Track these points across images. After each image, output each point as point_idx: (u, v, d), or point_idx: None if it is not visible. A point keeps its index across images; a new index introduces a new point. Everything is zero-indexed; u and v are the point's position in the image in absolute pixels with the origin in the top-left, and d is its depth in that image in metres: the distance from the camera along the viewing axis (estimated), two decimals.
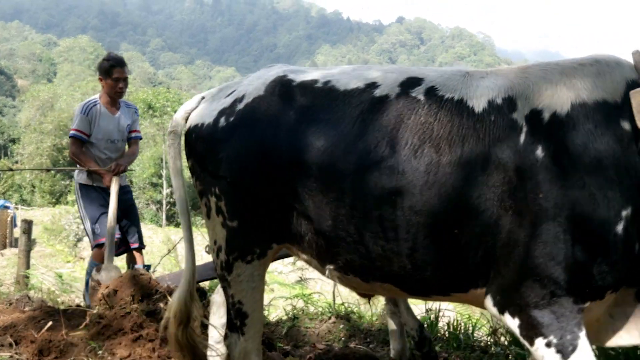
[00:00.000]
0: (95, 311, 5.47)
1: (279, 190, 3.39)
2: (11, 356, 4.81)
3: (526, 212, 2.88)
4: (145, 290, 5.45)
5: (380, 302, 7.97)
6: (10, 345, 5.06)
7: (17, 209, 37.77)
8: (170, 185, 50.99)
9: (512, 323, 2.97)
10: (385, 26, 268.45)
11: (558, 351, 2.86)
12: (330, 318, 6.67)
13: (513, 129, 2.97)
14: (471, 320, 6.54)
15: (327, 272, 3.48)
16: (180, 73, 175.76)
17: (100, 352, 4.77)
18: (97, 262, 6.82)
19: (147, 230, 39.17)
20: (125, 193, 7.18)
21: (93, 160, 7.00)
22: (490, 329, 6.24)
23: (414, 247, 3.07)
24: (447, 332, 6.19)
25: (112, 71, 6.92)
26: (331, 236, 3.29)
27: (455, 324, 6.38)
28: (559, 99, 3.01)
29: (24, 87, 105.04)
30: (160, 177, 51.29)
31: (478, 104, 3.06)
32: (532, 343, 2.90)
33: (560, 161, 2.90)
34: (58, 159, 52.51)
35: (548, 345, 2.87)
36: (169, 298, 5.34)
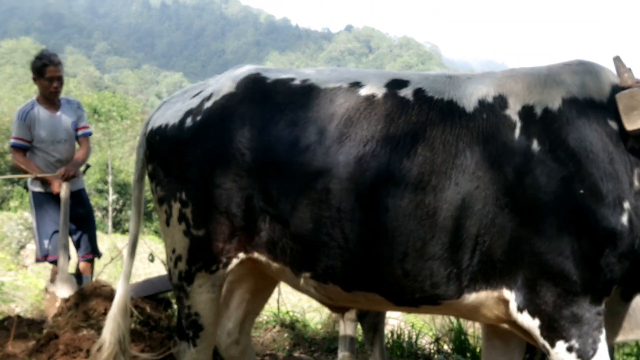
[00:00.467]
0: (47, 324, 5.37)
1: (251, 193, 3.24)
2: None
3: (526, 208, 2.86)
4: (109, 304, 5.30)
5: (325, 310, 8.00)
6: None
7: None
8: (115, 192, 50.20)
9: (532, 323, 2.91)
10: (333, 34, 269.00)
11: (579, 356, 2.85)
12: (274, 327, 6.66)
13: (506, 125, 2.97)
14: (415, 328, 6.61)
15: (302, 280, 3.31)
16: (126, 77, 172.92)
17: None
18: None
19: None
20: (78, 198, 6.91)
21: (42, 166, 6.75)
22: (434, 337, 6.31)
23: (406, 251, 2.98)
24: (390, 340, 6.23)
25: (45, 70, 6.65)
26: (310, 240, 3.15)
27: (399, 331, 6.44)
28: (550, 94, 3.02)
29: None
30: (105, 183, 50.31)
31: (469, 104, 3.05)
32: (552, 345, 2.89)
33: (557, 155, 2.89)
34: (0, 163, 51.07)
35: (570, 349, 2.86)
36: (134, 311, 5.23)
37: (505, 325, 3.18)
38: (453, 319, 6.23)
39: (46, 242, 6.77)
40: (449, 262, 2.94)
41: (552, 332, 2.87)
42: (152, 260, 7.04)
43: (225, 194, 3.26)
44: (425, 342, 6.50)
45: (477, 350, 5.80)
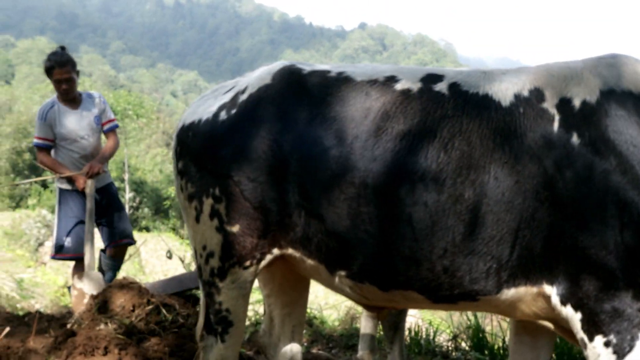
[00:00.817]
0: (73, 320, 5.40)
1: (286, 187, 3.21)
2: None
3: (567, 202, 2.82)
4: (137, 301, 5.30)
5: (343, 306, 8.02)
6: None
7: None
8: (132, 190, 50.45)
9: (575, 317, 2.88)
10: (347, 32, 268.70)
11: (615, 352, 2.81)
12: None
13: (544, 118, 2.93)
14: (432, 325, 6.61)
15: (337, 279, 3.26)
16: (141, 76, 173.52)
17: None
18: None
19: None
20: (106, 192, 6.93)
21: (67, 163, 6.76)
22: (451, 335, 6.31)
23: (446, 247, 2.94)
24: (408, 337, 6.23)
25: (52, 72, 6.63)
26: (347, 237, 3.10)
27: (416, 329, 6.44)
28: (587, 87, 2.98)
29: None
30: (122, 181, 50.56)
31: (505, 97, 3.02)
32: (591, 339, 2.85)
33: (597, 147, 2.85)
34: (17, 162, 51.42)
35: (607, 344, 2.82)
36: (162, 310, 5.24)
37: (543, 321, 3.15)
38: (471, 316, 6.23)
39: (65, 238, 6.73)
40: (488, 257, 2.91)
41: (592, 325, 2.84)
42: (170, 257, 7.10)
43: (260, 188, 3.23)
44: (443, 339, 6.50)
45: (495, 347, 5.79)
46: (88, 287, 5.98)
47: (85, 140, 6.79)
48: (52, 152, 6.87)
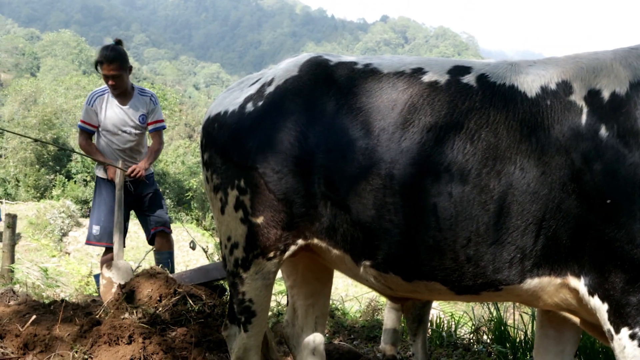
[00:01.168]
0: (101, 309, 5.45)
1: (312, 178, 3.21)
2: None
3: (594, 194, 2.81)
4: (163, 291, 5.35)
5: (364, 298, 8.03)
6: None
7: (0, 202, 37.48)
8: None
9: (602, 307, 2.86)
10: (369, 24, 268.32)
11: None
12: None
13: (572, 111, 2.91)
14: (454, 318, 6.59)
15: (361, 269, 3.26)
16: (164, 69, 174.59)
17: (77, 352, 4.75)
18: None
19: (132, 225, 38.73)
20: (143, 183, 6.96)
21: (106, 151, 6.83)
22: (473, 327, 6.30)
23: (469, 236, 2.95)
24: (430, 330, 6.23)
25: (100, 68, 6.64)
26: (372, 227, 3.11)
27: (438, 321, 6.44)
28: (617, 78, 2.95)
29: (6, 80, 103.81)
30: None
31: (531, 89, 3.00)
32: (617, 330, 2.84)
33: (626, 140, 2.82)
34: (42, 153, 52.05)
35: (632, 337, 2.81)
36: (189, 300, 5.27)
37: (564, 313, 3.15)
38: (492, 309, 6.21)
39: (95, 227, 6.83)
40: (512, 246, 2.91)
41: (619, 317, 2.83)
42: (193, 247, 7.14)
43: (285, 180, 3.24)
44: (465, 332, 6.49)
45: (517, 340, 5.77)
46: (116, 276, 5.99)
47: (128, 135, 6.81)
48: (95, 138, 6.93)
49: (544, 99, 2.96)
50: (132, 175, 6.55)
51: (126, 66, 6.69)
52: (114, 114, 6.74)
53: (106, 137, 6.80)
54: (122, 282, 5.64)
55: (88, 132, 6.87)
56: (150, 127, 6.93)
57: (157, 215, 7.04)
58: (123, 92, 6.75)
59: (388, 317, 5.15)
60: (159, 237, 7.07)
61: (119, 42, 6.79)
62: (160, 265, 6.32)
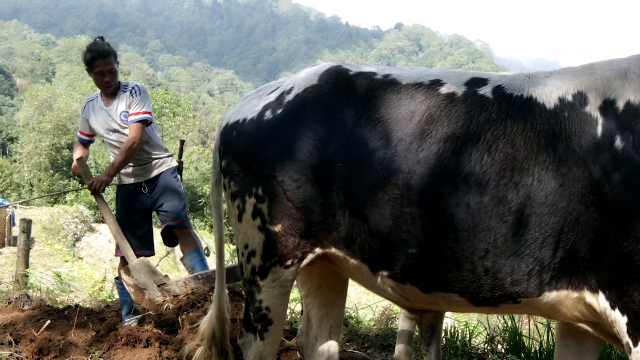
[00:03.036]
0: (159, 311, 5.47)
1: (330, 187, 3.21)
2: (11, 354, 4.82)
3: (613, 206, 2.77)
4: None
5: (378, 306, 8.01)
6: (10, 343, 5.07)
7: (15, 207, 37.72)
8: None
9: (621, 320, 2.84)
10: (384, 32, 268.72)
11: None
12: None
13: (588, 122, 2.89)
14: (468, 328, 6.56)
15: (379, 279, 3.24)
16: (178, 75, 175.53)
17: (95, 354, 4.77)
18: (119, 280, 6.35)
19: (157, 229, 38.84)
20: (153, 182, 6.55)
21: (77, 160, 6.48)
22: (487, 337, 6.26)
23: (487, 248, 2.93)
24: (444, 339, 6.20)
25: (94, 64, 6.26)
26: (389, 237, 3.09)
27: (452, 331, 6.40)
28: (631, 87, 2.93)
29: (22, 86, 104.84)
30: None
31: (549, 101, 2.99)
32: (635, 343, 2.81)
33: None
34: (56, 158, 52.40)
35: None
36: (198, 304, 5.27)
37: (583, 325, 3.11)
38: (507, 319, 6.18)
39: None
40: (530, 258, 2.89)
41: (638, 330, 2.79)
42: (207, 254, 7.11)
43: (303, 189, 3.23)
44: (479, 341, 6.45)
45: (532, 351, 5.74)
46: (138, 278, 5.82)
47: (115, 134, 6.44)
48: (107, 146, 6.71)
49: (562, 111, 2.95)
50: (90, 189, 6.19)
51: (117, 60, 6.47)
52: (100, 117, 6.47)
53: (106, 142, 6.59)
54: (145, 279, 5.63)
55: (82, 142, 6.70)
56: (128, 120, 6.37)
57: (165, 209, 6.47)
58: (114, 90, 6.43)
59: (402, 325, 5.12)
60: (177, 235, 6.53)
61: (102, 38, 6.51)
62: (190, 270, 6.25)
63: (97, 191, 6.15)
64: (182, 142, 7.42)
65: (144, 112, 6.36)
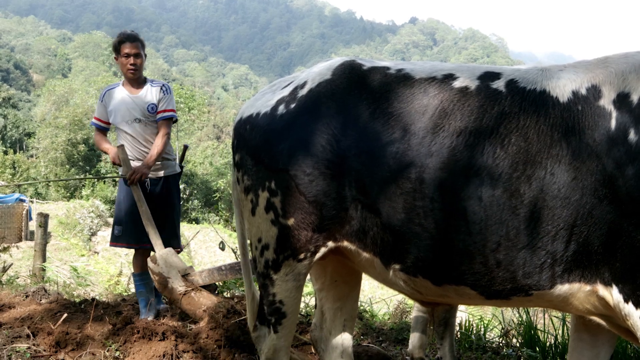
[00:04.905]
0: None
1: (342, 181, 3.21)
2: (29, 347, 4.87)
3: (627, 200, 2.77)
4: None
5: (392, 300, 8.02)
6: (28, 336, 5.12)
7: (32, 202, 38.00)
8: (183, 182, 51.21)
9: (635, 313, 2.83)
10: (398, 27, 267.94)
11: None
12: None
13: (602, 115, 2.88)
14: (483, 322, 6.55)
15: (391, 273, 3.25)
16: (193, 70, 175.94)
17: (112, 347, 4.80)
18: (136, 273, 6.37)
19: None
20: (157, 184, 6.49)
21: (127, 146, 6.40)
22: (502, 331, 6.25)
23: (499, 241, 2.92)
24: (458, 333, 6.19)
25: (121, 47, 6.37)
26: (402, 231, 3.10)
27: (467, 324, 6.40)
28: None
29: (39, 81, 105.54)
30: None
31: (562, 94, 2.98)
32: None
33: None
34: (72, 153, 52.78)
35: None
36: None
37: (595, 318, 3.09)
38: (522, 313, 6.16)
39: (117, 227, 6.50)
40: (542, 251, 2.88)
41: None
42: (222, 248, 7.13)
43: (316, 183, 3.23)
44: (494, 335, 6.44)
45: (547, 344, 5.72)
46: (165, 268, 5.77)
47: (138, 125, 6.42)
48: (117, 134, 6.60)
49: (576, 104, 2.93)
50: (130, 180, 6.13)
51: (144, 50, 6.58)
52: (122, 104, 6.42)
53: (121, 130, 6.48)
54: (174, 272, 5.69)
55: (100, 128, 6.65)
56: (157, 116, 6.45)
57: (159, 227, 6.22)
58: (138, 78, 6.48)
59: (416, 319, 5.13)
60: (141, 254, 6.40)
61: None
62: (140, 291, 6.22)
63: (135, 182, 6.15)
64: (186, 148, 7.35)
65: (173, 111, 6.54)
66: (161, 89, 6.51)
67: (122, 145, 6.27)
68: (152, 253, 6.05)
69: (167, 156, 6.56)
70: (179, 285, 5.64)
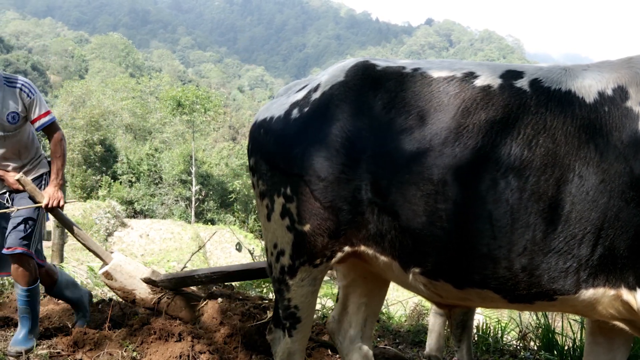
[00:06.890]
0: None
1: (359, 185, 3.16)
2: (47, 347, 4.90)
3: None
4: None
5: (408, 303, 7.99)
6: (46, 336, 5.15)
7: None
8: (199, 183, 51.34)
9: None
10: (414, 28, 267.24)
11: None
12: None
13: (629, 117, 2.84)
14: (500, 324, 6.51)
15: (410, 276, 3.20)
16: (209, 71, 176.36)
17: (129, 348, 4.82)
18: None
19: (177, 226, 39.42)
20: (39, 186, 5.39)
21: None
22: (520, 334, 6.21)
23: (525, 245, 2.87)
24: (476, 336, 6.16)
25: None
26: (422, 234, 3.04)
27: (484, 327, 6.37)
28: None
29: (56, 83, 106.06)
30: (189, 174, 51.60)
31: (588, 95, 2.93)
32: None
33: None
34: (89, 154, 53.01)
35: None
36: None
37: (619, 323, 3.05)
38: (540, 316, 6.13)
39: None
40: (568, 255, 2.84)
41: None
42: (239, 249, 7.13)
43: (331, 188, 3.20)
44: (511, 338, 6.41)
45: (565, 348, 5.68)
46: (121, 279, 5.45)
47: None
48: None
49: (602, 105, 2.89)
50: (48, 206, 5.23)
51: None
52: None
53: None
54: (136, 281, 5.52)
55: None
56: (36, 125, 5.20)
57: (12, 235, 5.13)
58: None
59: (433, 322, 5.11)
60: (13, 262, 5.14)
61: None
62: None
63: (53, 209, 5.34)
64: None
65: (49, 112, 5.36)
66: (21, 90, 5.12)
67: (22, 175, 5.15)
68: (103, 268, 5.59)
69: (43, 153, 5.60)
70: (147, 294, 5.51)
